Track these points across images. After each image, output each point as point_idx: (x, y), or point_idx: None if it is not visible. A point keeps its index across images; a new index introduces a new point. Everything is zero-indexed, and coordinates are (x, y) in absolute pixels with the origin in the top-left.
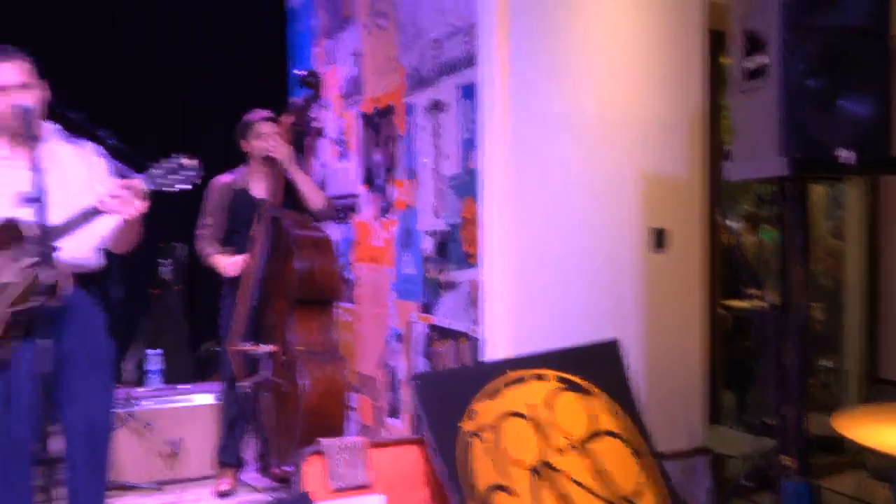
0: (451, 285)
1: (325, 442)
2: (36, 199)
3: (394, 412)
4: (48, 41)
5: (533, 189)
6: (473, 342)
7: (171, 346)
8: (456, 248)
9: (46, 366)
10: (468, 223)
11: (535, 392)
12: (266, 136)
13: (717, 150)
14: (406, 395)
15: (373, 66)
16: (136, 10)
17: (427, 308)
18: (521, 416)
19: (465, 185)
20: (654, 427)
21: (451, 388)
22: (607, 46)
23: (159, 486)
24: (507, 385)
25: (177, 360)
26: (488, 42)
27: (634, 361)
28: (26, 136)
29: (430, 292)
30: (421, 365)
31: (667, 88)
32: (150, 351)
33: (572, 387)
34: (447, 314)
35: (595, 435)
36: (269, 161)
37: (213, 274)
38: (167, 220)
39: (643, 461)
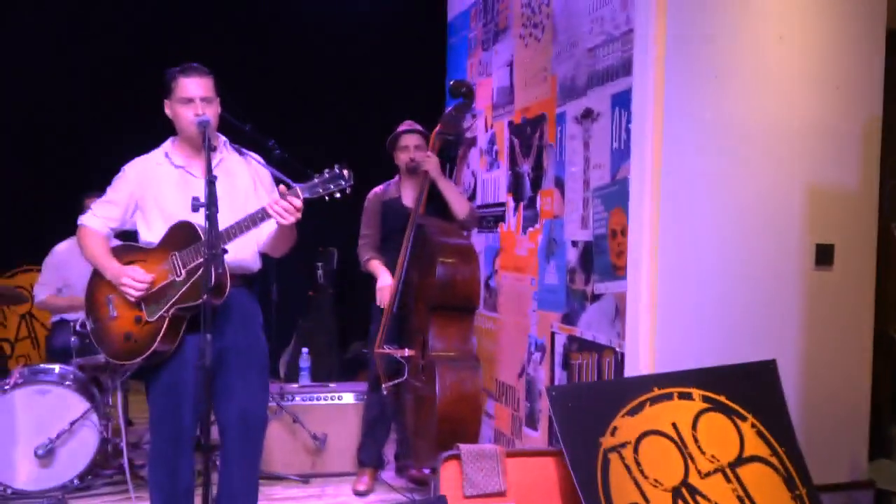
0: (596, 297)
1: (464, 448)
2: (208, 205)
3: (531, 422)
4: (215, 57)
5: (686, 200)
6: (617, 356)
7: (322, 346)
8: (603, 259)
9: (208, 359)
10: (616, 234)
11: (679, 411)
12: (408, 148)
13: (891, 159)
14: (544, 406)
15: (525, 77)
16: (298, 23)
17: (569, 319)
18: (665, 434)
19: (615, 196)
20: (810, 456)
21: (592, 402)
22: (773, 50)
23: (304, 478)
24: (651, 402)
25: (326, 359)
26: (644, 49)
27: (791, 385)
28: (204, 146)
29: (574, 303)
30: (560, 376)
31: (839, 94)
32: (303, 349)
33: (720, 407)
34: (590, 326)
35: (743, 459)
36: (414, 171)
37: (363, 278)
38: (323, 226)
39: (795, 491)
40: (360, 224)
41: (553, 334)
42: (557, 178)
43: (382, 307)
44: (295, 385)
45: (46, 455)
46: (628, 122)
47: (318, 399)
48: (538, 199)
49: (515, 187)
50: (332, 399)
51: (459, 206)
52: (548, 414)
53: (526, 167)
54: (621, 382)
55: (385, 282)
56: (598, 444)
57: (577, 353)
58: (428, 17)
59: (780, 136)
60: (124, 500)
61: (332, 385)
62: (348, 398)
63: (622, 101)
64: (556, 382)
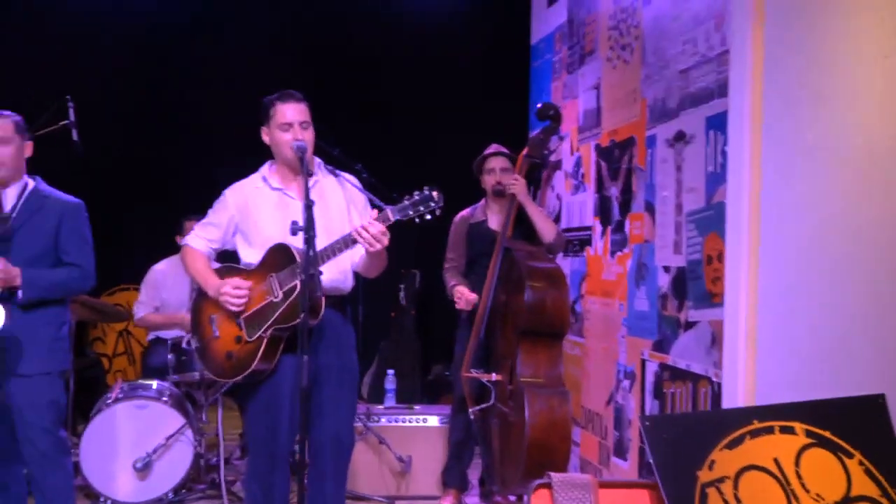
0: (690, 324)
1: (555, 476)
2: (306, 229)
3: (620, 451)
4: (304, 81)
5: (786, 225)
6: (713, 386)
7: (404, 367)
8: (697, 285)
9: (305, 379)
10: (712, 260)
11: (781, 446)
12: (495, 171)
13: None
14: (634, 435)
15: (613, 99)
16: (382, 49)
17: (661, 346)
18: (766, 470)
19: (710, 220)
20: None
21: (688, 434)
22: (877, 69)
23: (390, 500)
24: (750, 435)
25: (408, 380)
26: (740, 70)
27: None
28: (301, 171)
29: (666, 330)
30: (651, 405)
31: None
32: (389, 371)
33: (825, 443)
34: (684, 354)
35: (850, 499)
36: (501, 194)
37: (445, 301)
38: (407, 247)
39: None
40: (443, 247)
41: (643, 361)
42: (647, 201)
43: (463, 307)
44: (380, 406)
45: (144, 468)
46: (724, 144)
47: (403, 421)
48: (627, 222)
49: (602, 211)
50: (417, 421)
51: (547, 230)
52: (638, 444)
53: (614, 190)
54: (719, 414)
55: (469, 298)
56: (696, 477)
57: (670, 381)
58: (511, 42)
59: (886, 158)
60: None
61: (416, 407)
62: (433, 421)
63: (717, 124)
64: (648, 411)
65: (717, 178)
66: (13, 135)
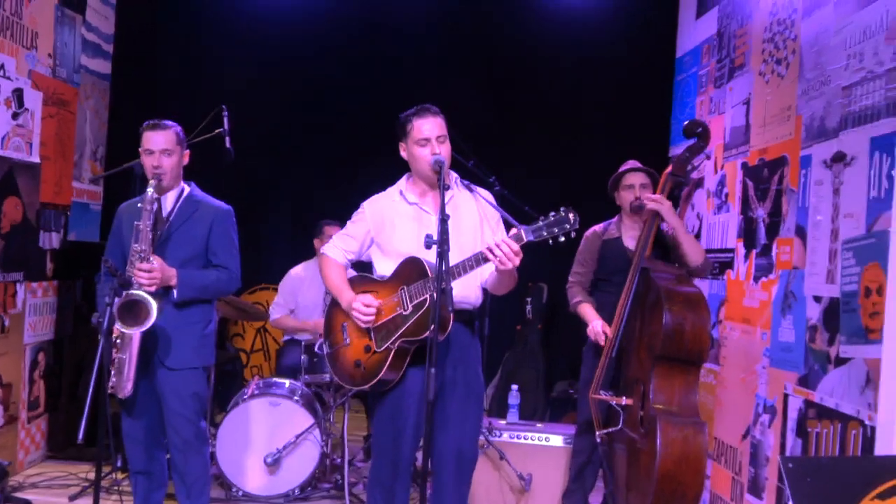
0: (841, 360)
1: None
2: (440, 243)
3: (755, 489)
4: (440, 94)
5: None
6: (865, 429)
7: (528, 382)
8: (851, 318)
9: (431, 393)
10: (871, 292)
11: None
12: (634, 187)
13: None
14: (772, 473)
15: (764, 116)
16: (519, 61)
17: (807, 381)
18: None
19: (870, 249)
20: None
21: (836, 480)
22: None
23: None
24: None
25: (531, 395)
26: None
27: None
28: (438, 185)
29: (813, 364)
30: (793, 444)
31: None
32: (513, 385)
33: None
34: (833, 392)
35: None
36: (638, 210)
37: (572, 316)
38: (534, 261)
39: None
40: (572, 262)
41: (786, 396)
42: (799, 226)
43: (597, 343)
44: (502, 421)
45: (274, 464)
46: (891, 168)
47: (525, 438)
48: (774, 247)
49: (747, 233)
50: (539, 440)
51: (695, 253)
52: (776, 483)
53: (761, 212)
54: (871, 461)
55: (597, 326)
56: None
57: (816, 420)
58: (655, 56)
59: None
60: None
61: (539, 425)
62: (556, 440)
63: (884, 145)
64: (789, 450)
65: (880, 204)
66: (174, 145)
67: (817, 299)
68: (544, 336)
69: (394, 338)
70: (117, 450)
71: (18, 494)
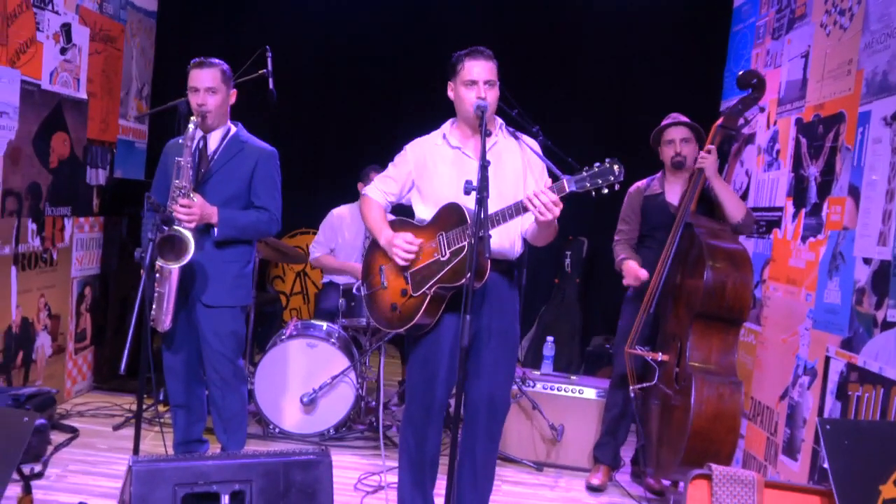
0: (888, 324)
1: (717, 469)
2: (479, 189)
3: (790, 451)
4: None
5: None
6: None
7: (564, 335)
8: None
9: (465, 338)
10: None
11: None
12: (674, 142)
13: None
14: (808, 436)
15: (822, 70)
16: (570, 7)
17: (850, 345)
18: None
19: None
20: None
21: (874, 444)
22: None
23: (538, 466)
24: None
25: (567, 348)
26: None
27: None
28: (480, 131)
29: (859, 328)
30: (833, 407)
31: None
32: (549, 337)
33: None
34: (878, 356)
35: None
36: (680, 166)
37: (611, 271)
38: (576, 214)
39: None
40: (615, 216)
41: (828, 359)
42: (852, 185)
43: (636, 297)
44: (537, 372)
45: (310, 403)
46: None
47: (558, 390)
48: (825, 206)
49: (797, 192)
50: (572, 392)
51: (736, 209)
52: (812, 445)
53: (813, 170)
54: None
55: (635, 270)
56: (878, 492)
57: (857, 384)
58: (712, 4)
59: None
60: (374, 455)
61: (573, 378)
62: (589, 393)
63: None
64: (827, 413)
65: None
66: (220, 84)
67: (867, 261)
68: (582, 290)
69: (430, 283)
70: (159, 384)
71: (66, 422)
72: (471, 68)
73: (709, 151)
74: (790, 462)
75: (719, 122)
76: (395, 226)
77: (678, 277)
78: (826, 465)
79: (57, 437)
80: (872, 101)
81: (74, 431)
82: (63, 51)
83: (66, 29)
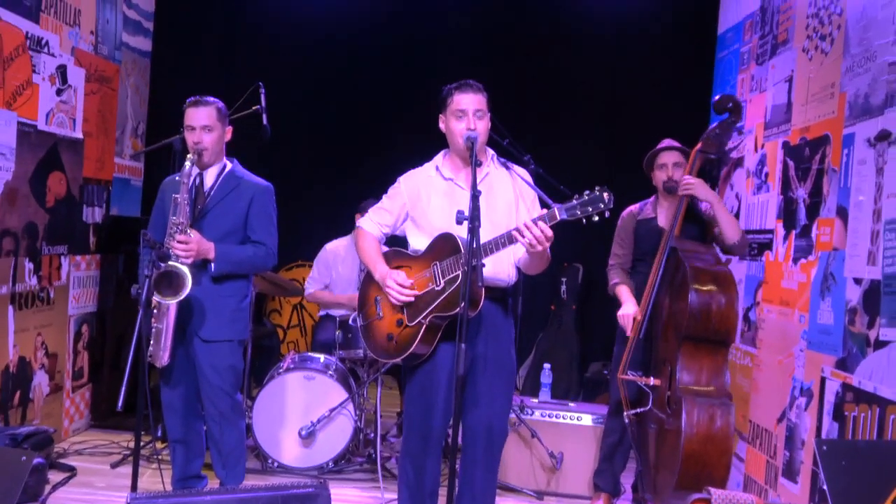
0: (881, 343)
1: (715, 492)
2: (470, 219)
3: (790, 473)
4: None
5: None
6: None
7: (561, 362)
8: (893, 301)
9: (461, 367)
10: None
11: None
12: (667, 166)
13: None
14: (807, 457)
15: (806, 94)
16: (557, 35)
17: (845, 365)
18: None
19: None
20: None
21: (871, 464)
22: None
23: (538, 495)
24: None
25: (565, 375)
26: None
27: None
28: (471, 161)
29: (852, 347)
30: (830, 428)
31: None
32: (546, 364)
33: None
34: (872, 376)
35: None
36: (672, 191)
37: (607, 298)
38: (571, 240)
39: None
40: (608, 242)
41: (823, 379)
42: (840, 206)
43: (626, 335)
44: (535, 400)
45: (308, 436)
46: None
47: (557, 417)
48: (814, 227)
49: (787, 214)
50: (571, 419)
51: (732, 230)
52: (811, 467)
53: (801, 192)
54: None
55: (628, 310)
56: None
57: (853, 404)
58: (695, 33)
59: None
60: (373, 487)
61: (571, 405)
62: (587, 420)
63: None
64: (825, 434)
65: None
66: (216, 122)
67: (857, 281)
68: (579, 317)
69: (425, 312)
70: (157, 420)
71: (63, 460)
72: (460, 100)
73: (689, 181)
74: (790, 485)
75: (697, 146)
76: (389, 257)
77: (666, 301)
78: (825, 487)
79: (55, 476)
80: (856, 123)
81: (72, 470)
82: (59, 92)
83: (62, 70)
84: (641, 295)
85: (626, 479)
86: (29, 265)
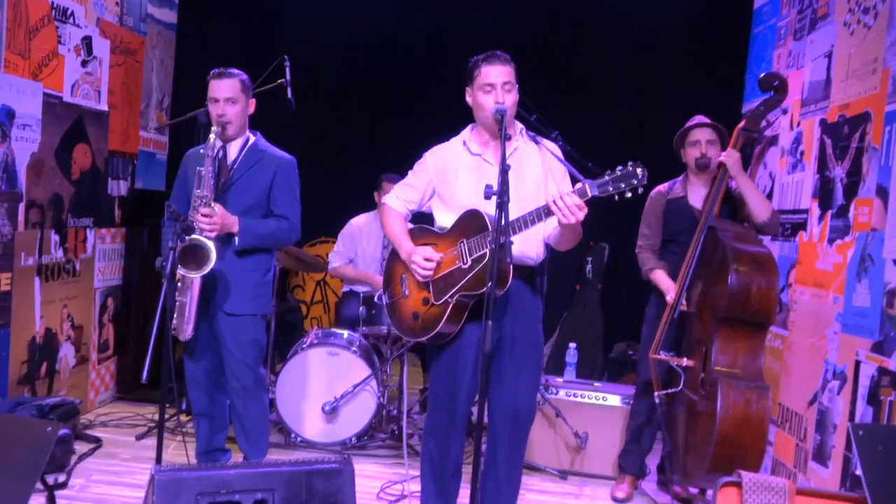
0: None
1: (747, 476)
2: (500, 194)
3: (820, 457)
4: (508, 44)
5: None
6: None
7: (586, 342)
8: None
9: (488, 345)
10: None
11: None
12: (700, 143)
13: None
14: (839, 441)
15: (847, 69)
16: (589, 10)
17: (881, 348)
18: None
19: None
20: None
21: None
22: None
23: (562, 474)
24: None
25: (589, 355)
26: None
27: None
28: (500, 135)
29: (889, 331)
30: (864, 412)
31: None
32: (571, 344)
33: None
34: None
35: None
36: (704, 167)
37: (633, 276)
38: (597, 219)
39: None
40: (636, 220)
41: (858, 363)
42: (880, 185)
43: (660, 303)
44: (559, 379)
45: (331, 412)
46: None
47: (582, 397)
48: (852, 208)
49: (823, 193)
50: (596, 399)
51: (761, 209)
52: (843, 451)
53: (839, 171)
54: None
55: (670, 288)
56: None
57: (890, 388)
58: (730, 7)
59: None
60: (397, 464)
61: (597, 384)
62: (613, 400)
63: None
64: (859, 418)
65: None
66: (240, 94)
67: None
68: (604, 296)
69: (452, 291)
70: (182, 394)
71: (89, 432)
72: (488, 72)
73: (728, 154)
74: (820, 469)
75: (742, 124)
76: (415, 234)
77: (702, 281)
78: (859, 472)
79: (80, 447)
80: None
81: (98, 441)
82: (84, 63)
83: (87, 42)
84: (672, 275)
85: (651, 461)
86: (55, 237)
